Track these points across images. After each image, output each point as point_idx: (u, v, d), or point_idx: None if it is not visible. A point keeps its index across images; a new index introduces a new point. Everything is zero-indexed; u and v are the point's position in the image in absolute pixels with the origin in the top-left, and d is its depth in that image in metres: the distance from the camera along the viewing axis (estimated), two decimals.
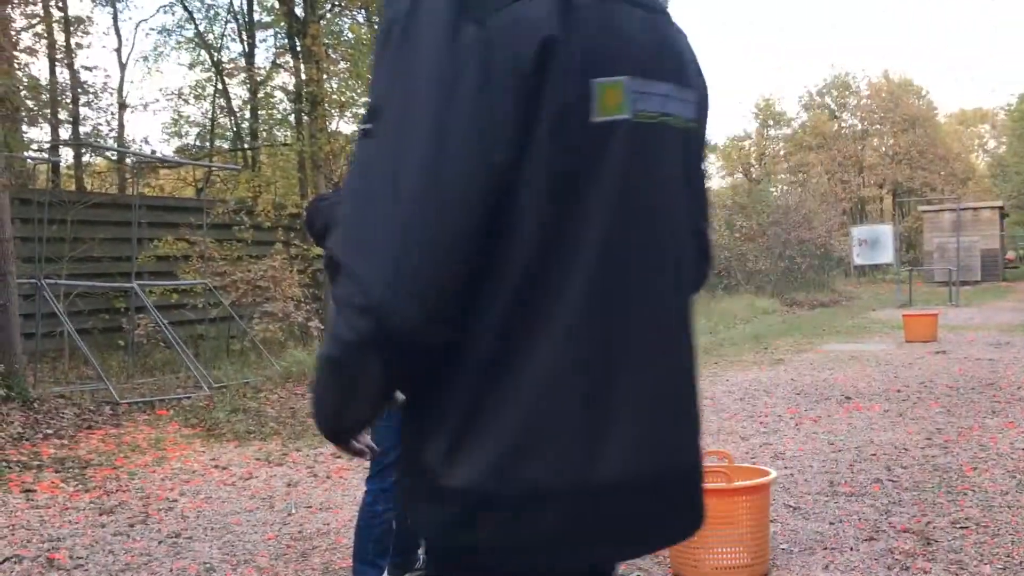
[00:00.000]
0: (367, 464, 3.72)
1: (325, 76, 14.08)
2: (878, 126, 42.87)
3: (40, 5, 14.06)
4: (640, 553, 1.16)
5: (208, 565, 4.30)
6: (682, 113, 1.15)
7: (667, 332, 1.13)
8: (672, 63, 1.15)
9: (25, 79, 11.54)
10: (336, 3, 15.47)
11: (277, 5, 15.55)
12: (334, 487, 5.69)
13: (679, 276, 1.12)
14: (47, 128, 15.82)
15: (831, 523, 4.52)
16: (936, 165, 41.00)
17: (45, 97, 14.40)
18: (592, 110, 1.02)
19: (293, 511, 5.17)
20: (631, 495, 1.07)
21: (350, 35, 15.96)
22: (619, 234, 1.06)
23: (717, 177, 45.56)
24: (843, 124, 43.58)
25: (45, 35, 14.63)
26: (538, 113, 1.00)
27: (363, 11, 16.48)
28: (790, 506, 4.83)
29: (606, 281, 1.05)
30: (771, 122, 43.77)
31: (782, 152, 43.66)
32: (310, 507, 5.25)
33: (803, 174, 40.43)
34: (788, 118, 43.93)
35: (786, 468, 5.64)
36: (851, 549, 4.12)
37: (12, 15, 11.05)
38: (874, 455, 5.95)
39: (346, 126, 16.68)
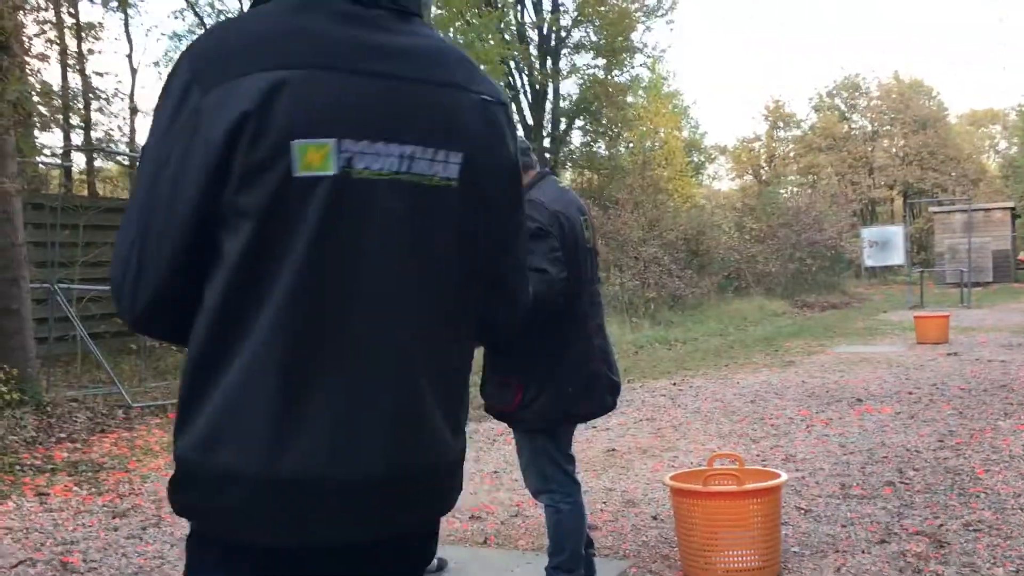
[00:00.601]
0: None
1: None
2: (888, 127, 42.72)
3: (52, 11, 14.16)
4: (341, 540, 1.29)
5: None
6: (434, 172, 1.31)
7: (376, 361, 1.28)
8: (423, 128, 1.30)
9: (37, 85, 11.61)
10: None
11: None
12: None
13: (400, 313, 1.29)
14: (59, 133, 15.91)
15: (843, 526, 4.51)
16: (947, 166, 40.84)
17: (57, 103, 14.48)
18: (294, 167, 1.23)
19: None
20: (317, 490, 1.24)
21: None
22: (313, 271, 1.25)
23: (727, 179, 45.55)
24: (853, 125, 43.45)
25: (57, 41, 14.71)
26: (231, 170, 1.22)
27: None
28: (801, 508, 4.82)
29: (296, 311, 1.24)
30: (781, 124, 43.66)
31: (792, 154, 43.55)
32: None
33: (813, 175, 40.33)
34: (798, 119, 43.86)
35: (797, 471, 5.63)
36: (863, 552, 4.11)
37: (24, 21, 11.12)
38: (886, 457, 5.93)
39: None
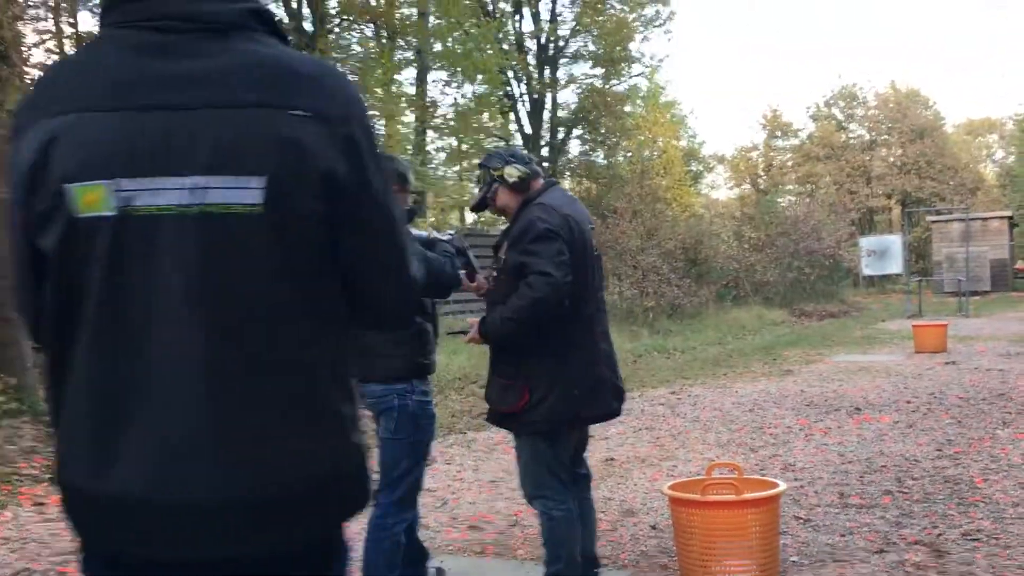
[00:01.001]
0: (377, 477, 3.73)
1: None
2: (886, 136, 42.80)
3: (51, 21, 14.20)
4: (193, 556, 1.33)
5: None
6: (232, 200, 1.30)
7: (185, 392, 1.30)
8: (214, 156, 1.29)
9: None
10: (344, 17, 15.57)
11: (286, 20, 15.64)
12: None
13: (201, 345, 1.30)
14: None
15: (841, 535, 4.50)
16: (944, 175, 40.91)
17: None
18: (75, 210, 1.29)
19: None
20: (146, 511, 1.31)
21: (359, 49, 16.05)
22: (111, 308, 1.30)
23: (725, 188, 45.61)
24: (851, 135, 43.54)
25: (57, 51, 14.75)
26: (31, 218, 1.32)
27: (371, 25, 16.59)
28: (800, 518, 4.81)
29: (102, 348, 1.31)
30: (778, 133, 43.75)
31: (790, 163, 43.63)
32: None
33: (811, 185, 40.39)
34: (795, 129, 43.94)
35: (796, 480, 5.63)
36: (862, 561, 4.10)
37: (23, 31, 11.15)
38: (884, 467, 5.93)
39: None
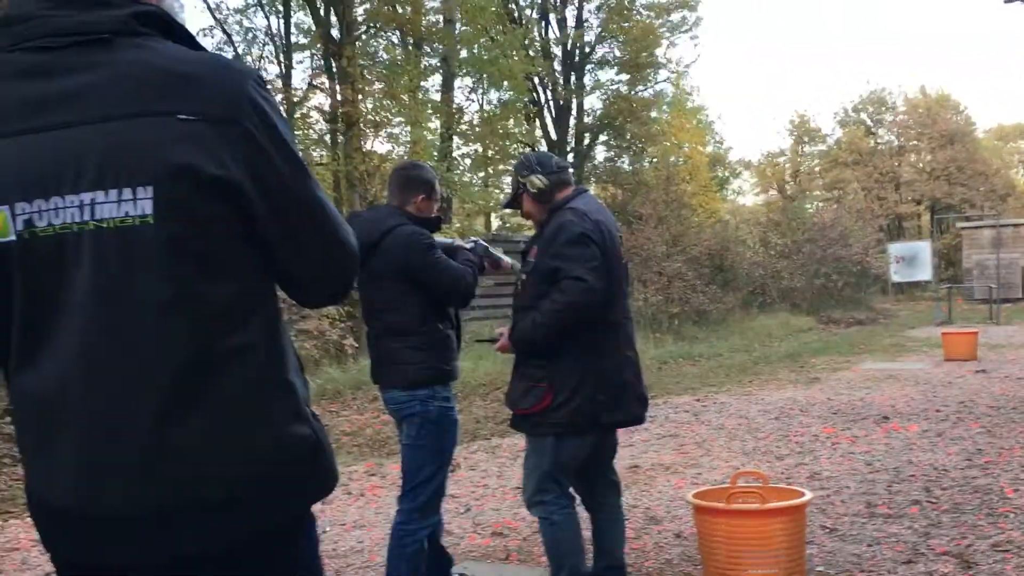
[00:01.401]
0: (400, 482, 3.74)
1: (360, 96, 14.25)
2: (915, 142, 42.36)
3: None
4: (138, 560, 1.37)
5: None
6: (122, 213, 1.30)
7: (107, 406, 1.32)
8: (101, 170, 1.29)
9: None
10: (371, 24, 15.66)
11: (313, 27, 15.77)
12: (367, 505, 5.72)
13: (118, 359, 1.32)
14: None
15: (868, 545, 4.46)
16: (975, 181, 40.41)
17: None
18: None
19: (327, 529, 5.20)
20: (83, 519, 1.36)
21: (385, 56, 16.16)
22: (32, 328, 1.35)
23: (751, 194, 45.33)
24: (879, 140, 43.14)
25: None
26: None
27: (397, 32, 16.68)
28: (826, 528, 4.77)
29: (32, 366, 1.35)
30: (806, 138, 43.43)
31: (817, 168, 43.29)
32: (344, 525, 5.28)
33: (839, 191, 40.04)
34: (823, 134, 43.61)
35: (822, 489, 5.58)
36: (889, 572, 4.06)
37: None
38: (913, 476, 5.86)
39: (381, 146, 16.88)
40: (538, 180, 3.52)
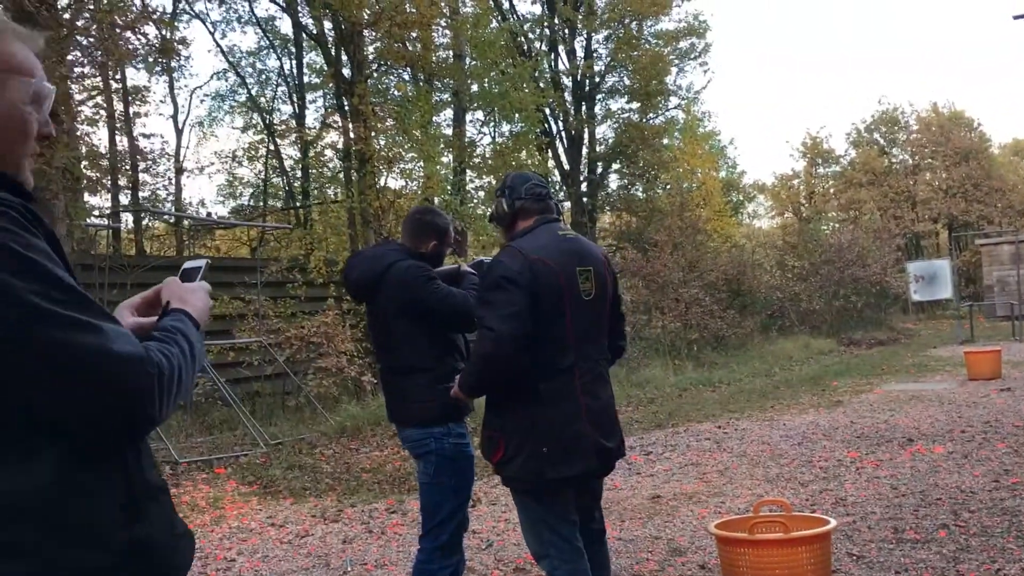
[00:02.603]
0: (421, 520, 3.72)
1: (373, 133, 14.38)
2: (930, 160, 42.21)
3: (100, 78, 14.62)
4: None
5: None
6: None
7: None
8: None
9: (85, 149, 11.96)
10: (382, 62, 15.83)
11: (325, 67, 15.96)
12: (389, 543, 5.70)
13: None
14: (107, 195, 16.33)
15: (897, 572, 4.39)
16: (992, 197, 40.18)
17: (105, 164, 14.89)
18: None
19: (349, 568, 5.17)
20: None
21: (396, 93, 16.31)
22: None
23: (767, 217, 45.23)
24: (893, 159, 43.03)
25: (104, 106, 15.19)
26: None
27: (408, 69, 16.85)
28: (853, 555, 4.71)
29: None
30: (819, 160, 43.38)
31: (832, 190, 43.19)
32: (365, 564, 5.25)
33: (855, 211, 39.90)
34: (836, 155, 43.54)
35: (847, 515, 5.51)
36: None
37: (72, 87, 11.49)
38: (939, 499, 5.78)
39: (394, 182, 16.97)
40: (498, 204, 3.35)
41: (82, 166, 11.48)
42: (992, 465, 6.71)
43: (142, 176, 17.12)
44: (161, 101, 29.90)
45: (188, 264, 1.77)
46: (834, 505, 5.81)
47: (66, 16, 9.53)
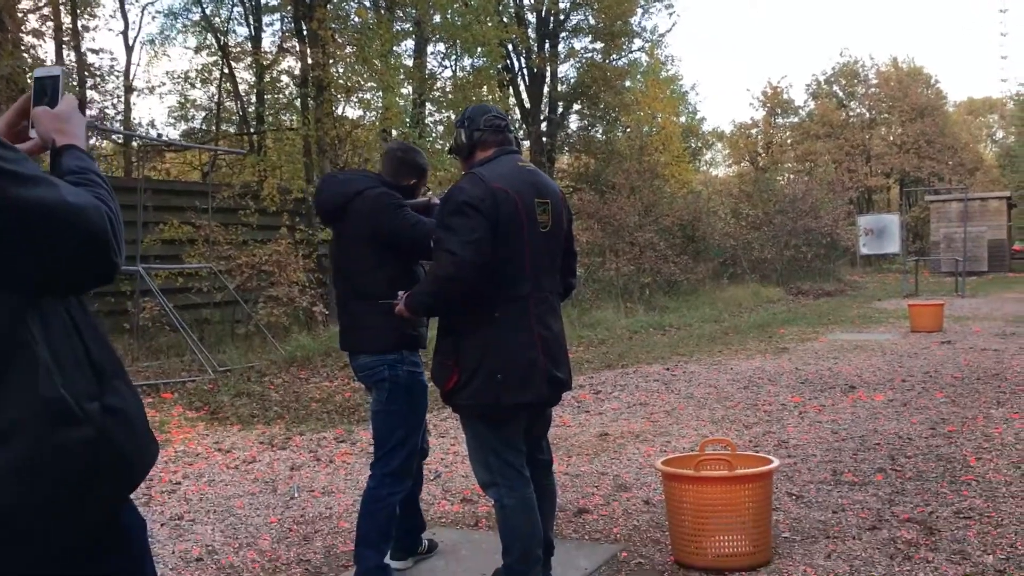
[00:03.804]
0: (371, 449, 3.72)
1: (331, 61, 14.04)
2: (886, 115, 42.66)
3: None
4: None
5: (210, 548, 4.32)
6: None
7: None
8: None
9: (31, 61, 11.51)
10: None
11: None
12: (336, 471, 5.70)
13: None
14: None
15: (834, 512, 4.51)
16: (944, 155, 40.82)
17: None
18: None
19: (296, 495, 5.17)
20: None
21: (357, 19, 15.89)
22: None
23: (724, 165, 45.46)
24: (851, 113, 43.37)
25: (52, 17, 14.59)
26: None
27: None
28: (793, 494, 4.82)
29: None
30: (778, 110, 43.57)
31: (789, 140, 43.48)
32: (312, 491, 5.26)
33: (810, 163, 40.27)
34: (796, 106, 43.74)
35: (789, 456, 5.64)
36: (853, 538, 4.11)
37: None
38: (878, 444, 5.94)
39: (352, 111, 16.68)
40: (458, 135, 3.34)
41: (27, 77, 11.06)
42: (930, 414, 6.90)
43: (90, 93, 16.54)
44: (111, 16, 28.87)
45: (39, 73, 1.62)
46: (776, 447, 5.94)
47: None
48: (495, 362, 3.12)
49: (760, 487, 3.80)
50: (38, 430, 1.32)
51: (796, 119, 43.52)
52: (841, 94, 43.83)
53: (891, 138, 42.19)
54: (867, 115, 43.27)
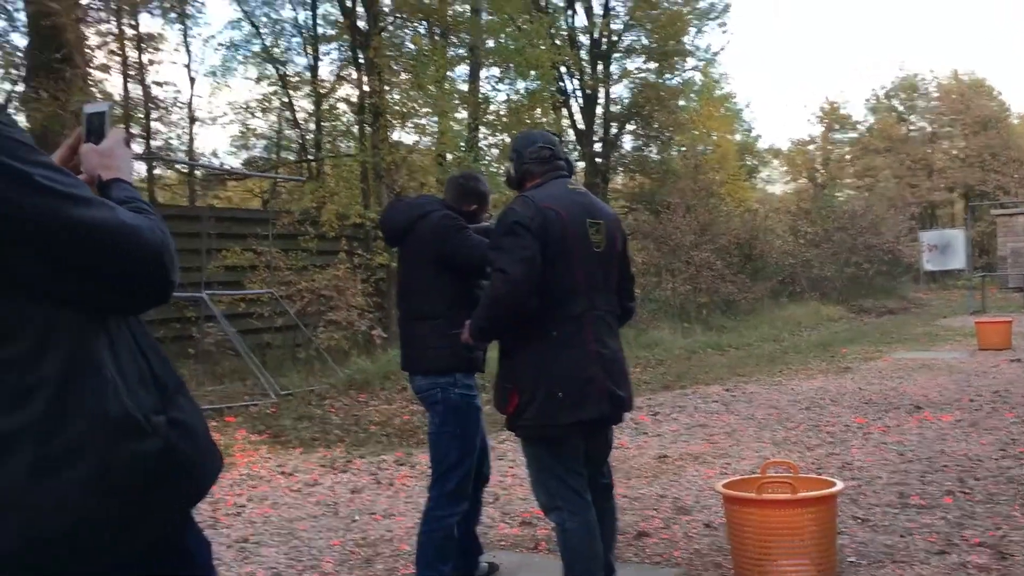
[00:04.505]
0: (429, 471, 3.76)
1: (387, 87, 14.26)
2: (948, 128, 41.78)
3: (114, 23, 14.52)
4: None
5: (275, 570, 4.38)
6: None
7: None
8: None
9: (100, 95, 11.91)
10: (398, 15, 15.66)
11: (341, 19, 15.80)
12: (397, 494, 5.75)
13: None
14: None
15: (901, 536, 4.41)
16: (1009, 168, 39.75)
17: (119, 112, 14.84)
18: None
19: (357, 517, 5.23)
20: None
21: (411, 46, 16.14)
22: None
23: (781, 183, 44.91)
24: (911, 127, 42.58)
25: (119, 52, 15.09)
26: None
27: (424, 23, 16.67)
28: (858, 518, 4.73)
29: None
30: (836, 126, 42.96)
31: (848, 156, 42.82)
32: (373, 514, 5.31)
33: (870, 178, 39.59)
34: (854, 121, 43.10)
35: (854, 479, 5.53)
36: (922, 563, 4.02)
37: (86, 34, 11.43)
38: (946, 466, 5.80)
39: (407, 136, 16.88)
40: (509, 168, 3.48)
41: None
42: (1000, 434, 6.72)
43: (155, 125, 17.06)
44: (175, 49, 29.77)
45: (89, 109, 1.67)
46: (840, 469, 5.83)
47: None
48: (553, 381, 3.14)
49: (824, 510, 3.74)
50: (109, 443, 1.37)
51: (855, 134, 42.86)
52: (901, 108, 43.07)
53: (954, 152, 41.26)
54: (928, 129, 42.42)
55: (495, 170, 16.14)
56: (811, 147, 43.35)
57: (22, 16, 11.23)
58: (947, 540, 4.31)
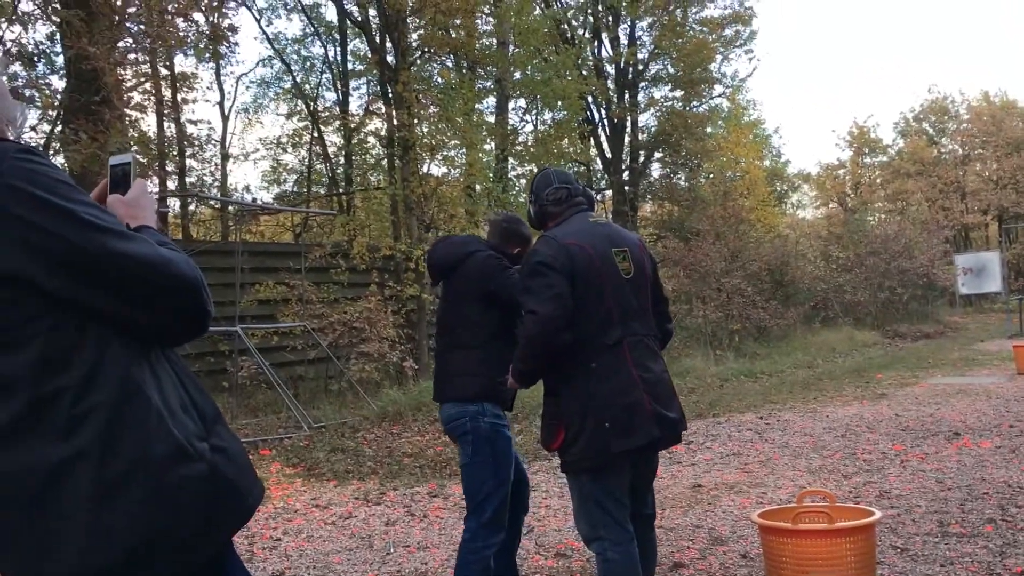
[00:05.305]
0: (463, 503, 3.77)
1: (416, 121, 14.42)
2: (980, 150, 41.35)
3: (148, 65, 14.83)
4: None
5: None
6: None
7: None
8: None
9: (135, 135, 12.15)
10: (425, 50, 15.86)
11: (369, 54, 16.03)
12: (431, 526, 5.76)
13: None
14: (155, 180, 16.56)
15: (942, 565, 4.35)
16: None
17: (154, 149, 15.12)
18: None
19: (391, 551, 5.24)
20: None
21: (439, 80, 16.33)
22: None
23: (811, 208, 44.63)
24: (943, 149, 42.21)
25: (154, 92, 15.40)
26: None
27: (451, 56, 16.86)
28: (897, 547, 4.67)
29: None
30: (866, 149, 42.68)
31: (879, 180, 42.50)
32: (408, 546, 5.32)
33: (902, 202, 39.24)
34: (884, 145, 42.82)
35: (892, 508, 5.46)
36: None
37: (124, 75, 11.69)
38: (986, 494, 5.70)
39: (437, 169, 17.02)
40: (529, 209, 3.60)
41: (132, 151, 11.66)
42: None
43: (189, 162, 17.36)
44: (208, 87, 30.17)
45: (114, 160, 1.76)
46: (878, 498, 5.76)
47: (118, 3, 9.68)
48: (599, 411, 3.17)
49: (862, 540, 3.70)
50: (159, 468, 1.43)
51: (885, 158, 42.56)
52: (931, 131, 42.74)
53: (986, 174, 40.83)
54: (960, 151, 42.02)
55: (523, 200, 16.23)
56: (841, 171, 43.08)
57: (60, 60, 11.52)
58: (989, 570, 4.24)
